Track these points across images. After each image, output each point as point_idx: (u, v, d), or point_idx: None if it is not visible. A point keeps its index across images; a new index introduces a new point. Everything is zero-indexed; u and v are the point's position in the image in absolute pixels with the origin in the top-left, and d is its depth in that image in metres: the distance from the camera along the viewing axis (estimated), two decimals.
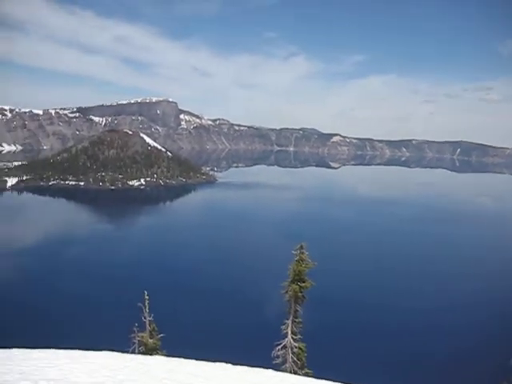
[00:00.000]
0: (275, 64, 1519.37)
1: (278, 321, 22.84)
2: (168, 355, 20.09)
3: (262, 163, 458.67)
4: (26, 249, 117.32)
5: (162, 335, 23.04)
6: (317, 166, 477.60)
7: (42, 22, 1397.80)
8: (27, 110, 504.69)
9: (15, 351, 11.71)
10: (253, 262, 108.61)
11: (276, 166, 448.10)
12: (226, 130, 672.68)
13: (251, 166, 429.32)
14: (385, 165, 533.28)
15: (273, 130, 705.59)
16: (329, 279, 79.69)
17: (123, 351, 16.14)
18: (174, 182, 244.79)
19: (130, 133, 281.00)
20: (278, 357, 21.95)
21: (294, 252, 21.16)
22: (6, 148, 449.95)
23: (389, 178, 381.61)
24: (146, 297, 22.17)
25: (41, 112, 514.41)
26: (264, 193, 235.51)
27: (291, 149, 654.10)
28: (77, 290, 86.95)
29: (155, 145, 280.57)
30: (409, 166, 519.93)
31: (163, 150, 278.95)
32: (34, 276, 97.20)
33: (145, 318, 22.31)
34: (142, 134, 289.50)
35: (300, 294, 21.12)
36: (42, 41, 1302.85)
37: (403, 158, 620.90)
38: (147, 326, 22.40)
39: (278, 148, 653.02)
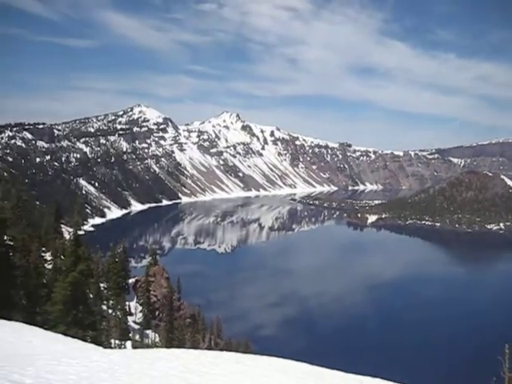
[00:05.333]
0: None
1: None
2: None
3: None
4: (382, 283, 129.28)
5: None
6: None
7: (405, 68, 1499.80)
8: (388, 152, 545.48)
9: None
10: None
11: None
12: None
13: None
14: None
15: None
16: None
17: None
18: None
19: (490, 174, 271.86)
20: None
21: None
22: (369, 187, 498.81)
23: None
24: (507, 350, 23.64)
25: (401, 153, 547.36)
26: None
27: None
28: (431, 330, 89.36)
29: None
30: None
31: None
32: (388, 310, 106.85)
33: (504, 373, 23.08)
34: (502, 176, 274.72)
35: None
36: (404, 85, 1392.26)
37: None
38: (506, 382, 23.34)
39: None
